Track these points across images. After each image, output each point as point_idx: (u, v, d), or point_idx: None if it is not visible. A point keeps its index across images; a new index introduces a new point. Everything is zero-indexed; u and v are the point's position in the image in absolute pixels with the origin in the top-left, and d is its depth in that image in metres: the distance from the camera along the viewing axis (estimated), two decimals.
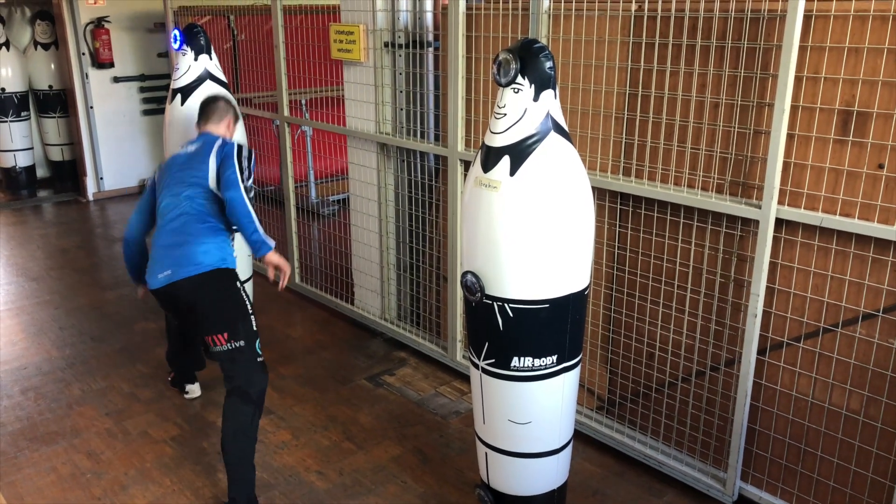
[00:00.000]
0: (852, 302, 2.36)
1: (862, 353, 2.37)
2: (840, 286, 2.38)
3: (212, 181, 2.86)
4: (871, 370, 2.36)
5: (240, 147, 2.93)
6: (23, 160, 7.31)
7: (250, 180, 2.90)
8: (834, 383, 2.45)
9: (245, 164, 2.88)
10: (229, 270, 2.83)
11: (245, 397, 2.72)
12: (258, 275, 3.94)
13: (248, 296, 2.87)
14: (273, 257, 2.86)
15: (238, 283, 2.84)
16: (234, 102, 3.28)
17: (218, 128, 3.06)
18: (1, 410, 3.46)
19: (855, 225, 2.27)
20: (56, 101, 7.27)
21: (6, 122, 7.10)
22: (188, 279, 2.76)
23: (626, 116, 2.79)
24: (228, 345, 2.72)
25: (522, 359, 2.20)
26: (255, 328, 2.79)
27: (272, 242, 2.84)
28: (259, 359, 2.78)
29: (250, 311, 2.81)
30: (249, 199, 2.83)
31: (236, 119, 3.22)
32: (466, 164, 3.33)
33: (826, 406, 2.48)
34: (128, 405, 3.51)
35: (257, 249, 2.81)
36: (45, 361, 3.93)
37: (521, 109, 2.04)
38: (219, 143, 2.94)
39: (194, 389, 3.55)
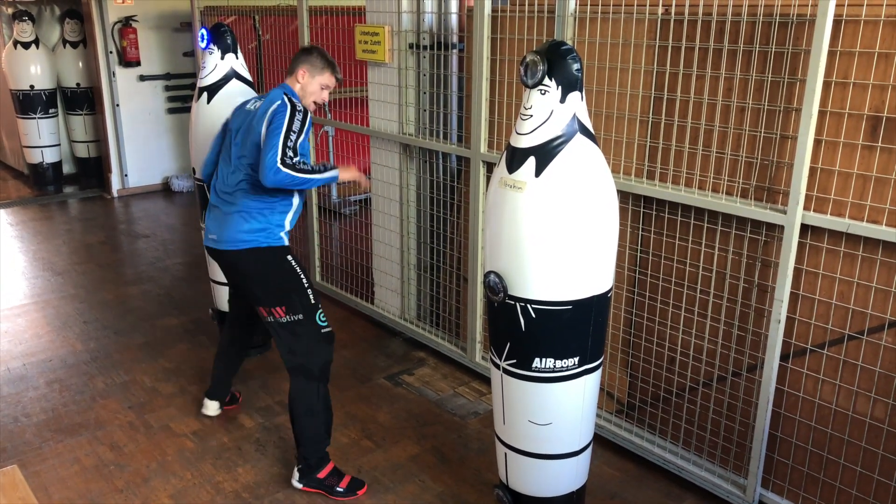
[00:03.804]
0: (878, 309, 2.34)
1: (888, 361, 2.35)
2: (866, 293, 2.36)
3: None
4: None
5: (295, 110, 2.65)
6: (50, 156, 7.43)
7: (296, 159, 2.60)
8: (858, 391, 2.42)
9: (297, 128, 2.61)
10: (273, 249, 2.74)
11: (308, 374, 2.72)
12: None
13: (301, 269, 2.79)
14: (346, 177, 2.81)
15: (288, 257, 2.77)
16: (322, 54, 2.92)
17: (293, 80, 2.86)
18: (27, 402, 3.52)
19: (883, 232, 2.25)
20: (83, 99, 7.37)
21: (34, 118, 7.21)
22: (231, 252, 2.74)
23: (651, 120, 2.78)
24: (287, 317, 2.70)
25: (544, 360, 2.21)
26: (312, 301, 2.74)
27: (332, 173, 2.71)
28: (323, 330, 2.76)
29: (305, 285, 2.75)
30: (293, 162, 2.56)
31: (322, 70, 2.87)
32: (489, 166, 3.34)
33: (850, 414, 2.45)
34: (150, 399, 3.55)
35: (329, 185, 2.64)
36: (70, 354, 3.99)
37: (548, 111, 2.05)
38: (278, 102, 2.68)
39: (213, 407, 3.34)
